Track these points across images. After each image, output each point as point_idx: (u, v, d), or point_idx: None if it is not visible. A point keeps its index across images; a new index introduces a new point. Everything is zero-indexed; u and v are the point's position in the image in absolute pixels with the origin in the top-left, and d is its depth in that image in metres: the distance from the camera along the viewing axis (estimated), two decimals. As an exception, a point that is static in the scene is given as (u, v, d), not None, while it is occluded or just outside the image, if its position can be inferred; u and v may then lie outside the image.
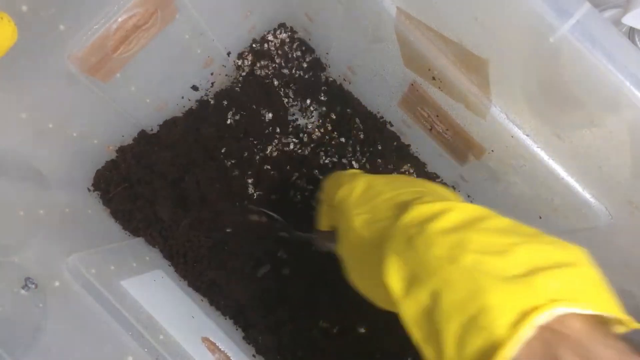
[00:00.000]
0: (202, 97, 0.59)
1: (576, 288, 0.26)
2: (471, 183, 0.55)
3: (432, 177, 0.60)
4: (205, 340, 0.46)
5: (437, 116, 0.49)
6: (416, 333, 0.29)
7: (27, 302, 0.32)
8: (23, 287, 0.32)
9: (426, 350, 0.28)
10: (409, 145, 0.60)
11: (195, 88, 0.58)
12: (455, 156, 0.52)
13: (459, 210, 0.31)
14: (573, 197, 0.42)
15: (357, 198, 0.38)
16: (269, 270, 0.56)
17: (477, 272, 0.27)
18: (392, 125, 0.60)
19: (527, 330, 0.24)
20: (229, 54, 0.59)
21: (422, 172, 0.60)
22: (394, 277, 0.30)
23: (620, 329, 0.26)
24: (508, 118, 0.41)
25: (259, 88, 0.60)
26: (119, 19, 0.41)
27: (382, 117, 0.60)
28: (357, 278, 0.38)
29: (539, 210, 0.48)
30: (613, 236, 0.43)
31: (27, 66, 0.38)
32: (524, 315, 0.24)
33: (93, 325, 0.36)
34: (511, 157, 0.44)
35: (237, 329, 0.54)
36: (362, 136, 0.60)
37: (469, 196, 0.58)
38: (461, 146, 0.50)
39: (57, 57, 0.40)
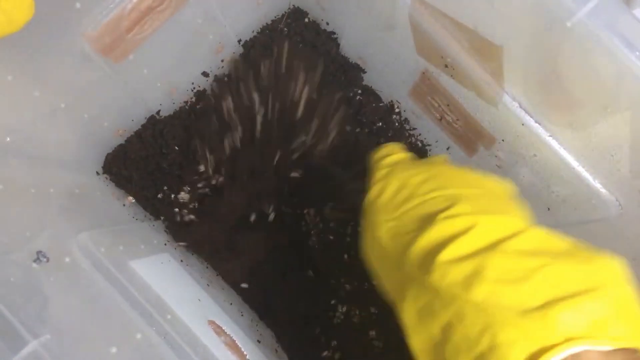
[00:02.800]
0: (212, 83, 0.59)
1: (596, 319, 0.24)
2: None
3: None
4: (212, 323, 0.46)
5: (448, 105, 0.49)
6: None
7: (38, 275, 0.32)
8: (35, 260, 0.32)
9: None
10: (418, 135, 0.60)
11: (205, 74, 0.58)
12: (465, 147, 0.52)
13: (483, 227, 0.28)
14: (583, 187, 0.42)
15: (387, 201, 0.34)
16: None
17: (491, 305, 0.25)
18: (401, 115, 0.60)
19: None
20: (239, 41, 0.59)
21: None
22: (408, 304, 0.29)
23: None
24: (520, 106, 0.41)
25: None
26: (134, 0, 0.41)
27: (392, 106, 0.60)
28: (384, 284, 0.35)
29: (547, 201, 0.48)
30: (622, 228, 0.43)
31: (42, 43, 0.38)
32: (535, 356, 0.23)
33: (102, 302, 0.36)
34: (522, 146, 0.44)
35: (242, 315, 0.54)
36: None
37: (476, 188, 0.58)
38: (471, 136, 0.50)
39: (72, 35, 0.40)
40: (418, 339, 0.28)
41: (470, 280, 0.26)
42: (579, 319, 0.24)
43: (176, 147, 0.56)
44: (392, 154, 0.39)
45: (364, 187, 0.38)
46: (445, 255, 0.28)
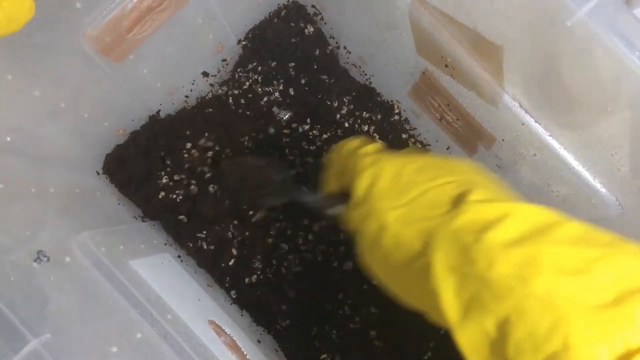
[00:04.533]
0: (211, 84, 0.59)
1: None
2: (479, 174, 0.55)
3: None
4: (212, 323, 0.46)
5: (448, 105, 0.49)
6: None
7: (39, 275, 0.32)
8: (35, 260, 0.32)
9: None
10: (418, 135, 0.60)
11: (206, 74, 0.58)
12: (465, 146, 0.52)
13: (522, 214, 0.26)
14: (583, 186, 0.42)
15: (386, 188, 0.32)
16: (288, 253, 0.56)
17: (556, 298, 0.23)
18: (401, 115, 0.60)
19: None
20: (239, 41, 0.59)
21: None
22: (448, 295, 0.26)
23: None
24: (521, 106, 0.41)
25: None
26: (134, 0, 0.41)
27: (392, 106, 0.60)
28: (392, 284, 0.32)
29: (547, 201, 0.48)
30: (623, 228, 0.43)
31: (42, 42, 0.38)
32: (624, 358, 0.21)
33: (103, 301, 0.36)
34: (522, 146, 0.44)
35: (242, 315, 0.54)
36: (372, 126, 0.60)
37: (476, 188, 0.58)
38: (471, 136, 0.50)
39: (72, 35, 0.40)
40: (467, 336, 0.25)
41: (526, 270, 0.24)
42: None
43: (176, 147, 0.56)
44: (364, 145, 0.37)
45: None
46: (492, 238, 0.25)
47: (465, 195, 0.28)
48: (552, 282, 0.23)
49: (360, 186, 0.33)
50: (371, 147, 0.37)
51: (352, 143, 0.38)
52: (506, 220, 0.26)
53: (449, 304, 0.26)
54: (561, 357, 0.22)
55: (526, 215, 0.26)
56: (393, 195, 0.31)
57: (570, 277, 0.23)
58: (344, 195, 0.36)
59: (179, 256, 0.53)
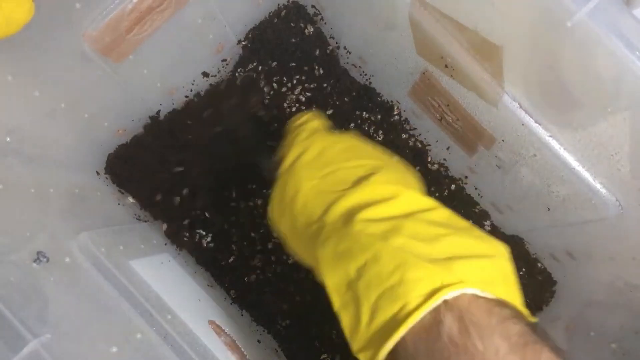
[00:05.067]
0: (211, 84, 0.59)
1: (487, 276, 0.29)
2: (479, 174, 0.55)
3: (440, 168, 0.60)
4: (212, 323, 0.46)
5: (448, 105, 0.49)
6: (336, 301, 0.31)
7: (38, 275, 0.32)
8: (35, 260, 0.32)
9: (344, 317, 0.31)
10: (418, 135, 0.60)
11: (205, 74, 0.58)
12: (465, 147, 0.52)
13: (405, 199, 0.33)
14: (583, 187, 0.42)
15: (310, 161, 0.38)
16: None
17: (404, 251, 0.30)
18: (401, 115, 0.60)
19: (436, 303, 0.27)
20: (239, 41, 0.59)
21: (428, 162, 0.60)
22: (327, 250, 0.32)
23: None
24: (521, 106, 0.41)
25: None
26: (134, 0, 0.41)
27: (392, 106, 0.60)
28: (291, 241, 0.39)
29: (547, 201, 0.48)
30: (622, 228, 0.43)
31: (42, 43, 0.38)
32: (435, 291, 0.27)
33: (103, 302, 0.36)
34: (522, 146, 0.44)
35: (242, 315, 0.54)
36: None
37: (476, 188, 0.58)
38: (471, 136, 0.50)
39: (72, 36, 0.40)
40: (333, 278, 0.32)
41: (389, 233, 0.31)
42: (474, 273, 0.29)
43: (176, 147, 0.56)
44: (310, 121, 0.43)
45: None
46: (367, 213, 0.32)
47: (368, 177, 0.35)
48: (405, 242, 0.30)
49: (290, 156, 0.39)
50: (314, 124, 0.43)
51: (302, 117, 0.44)
52: (391, 200, 0.33)
53: (325, 256, 0.32)
54: (396, 289, 0.28)
55: (408, 200, 0.33)
56: (313, 168, 0.37)
57: (420, 242, 0.30)
58: None
59: (182, 259, 0.53)
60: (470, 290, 0.28)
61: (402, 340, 0.28)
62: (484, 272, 0.29)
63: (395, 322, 0.28)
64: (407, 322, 0.27)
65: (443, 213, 0.34)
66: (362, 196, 0.34)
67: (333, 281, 0.32)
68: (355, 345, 0.30)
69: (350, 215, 0.33)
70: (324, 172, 0.37)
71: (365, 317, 0.29)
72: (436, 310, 0.27)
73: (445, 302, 0.27)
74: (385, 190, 0.34)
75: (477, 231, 0.33)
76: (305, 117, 0.45)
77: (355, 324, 0.30)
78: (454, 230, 0.32)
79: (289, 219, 0.38)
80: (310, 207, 0.36)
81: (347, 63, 0.60)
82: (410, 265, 0.29)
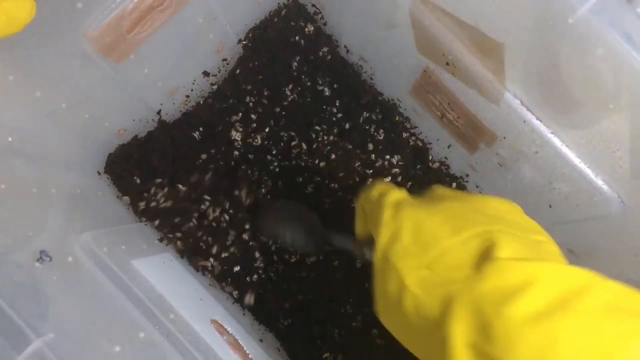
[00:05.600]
0: (212, 83, 0.59)
1: None
2: (481, 173, 0.55)
3: (441, 166, 0.60)
4: (214, 322, 0.46)
5: (449, 103, 0.49)
6: None
7: (41, 274, 0.32)
8: (37, 260, 0.32)
9: None
10: (419, 134, 0.60)
11: (206, 74, 0.58)
12: (466, 145, 0.52)
13: (549, 279, 0.25)
14: (585, 184, 0.42)
15: (406, 247, 0.31)
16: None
17: None
18: (402, 114, 0.60)
19: None
20: (239, 41, 0.59)
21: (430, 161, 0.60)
22: None
23: None
24: (522, 103, 0.41)
25: None
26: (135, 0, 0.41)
27: (393, 105, 0.60)
28: (409, 344, 0.31)
29: (549, 199, 0.48)
30: (624, 224, 0.43)
31: (43, 43, 0.38)
32: None
33: (105, 301, 0.36)
34: (523, 143, 0.44)
35: (244, 314, 0.54)
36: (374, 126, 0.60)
37: (477, 186, 0.58)
38: (472, 134, 0.50)
39: (73, 36, 0.40)
40: None
41: (546, 355, 0.23)
42: None
43: (176, 148, 0.56)
44: (388, 193, 0.35)
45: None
46: (513, 312, 0.24)
47: (490, 252, 0.27)
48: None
49: (381, 243, 0.32)
50: (394, 196, 0.35)
51: (377, 189, 0.37)
52: (530, 288, 0.25)
53: None
54: None
55: (553, 280, 0.25)
56: (413, 254, 0.30)
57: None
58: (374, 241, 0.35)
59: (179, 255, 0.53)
60: None
61: None
62: None
63: None
64: None
65: (608, 289, 0.24)
66: (493, 284, 0.26)
67: None
68: None
69: (486, 321, 0.25)
70: (429, 256, 0.29)
71: None
72: None
73: None
74: (518, 271, 0.26)
75: None
76: (378, 188, 0.37)
77: None
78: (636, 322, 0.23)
79: (398, 319, 0.31)
80: (424, 306, 0.28)
81: (348, 62, 0.60)
82: None
